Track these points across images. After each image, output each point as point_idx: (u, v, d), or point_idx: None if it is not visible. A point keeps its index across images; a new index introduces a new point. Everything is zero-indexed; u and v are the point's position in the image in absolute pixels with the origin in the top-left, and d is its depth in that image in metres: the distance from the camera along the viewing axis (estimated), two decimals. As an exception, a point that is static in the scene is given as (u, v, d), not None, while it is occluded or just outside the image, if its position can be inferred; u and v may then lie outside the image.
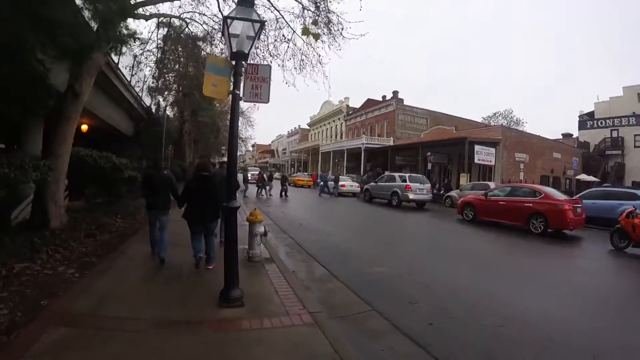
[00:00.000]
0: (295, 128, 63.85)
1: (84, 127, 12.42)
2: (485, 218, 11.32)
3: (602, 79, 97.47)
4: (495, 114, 47.53)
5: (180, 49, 15.61)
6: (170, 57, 16.05)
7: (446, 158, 24.85)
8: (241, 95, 3.61)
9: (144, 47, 11.19)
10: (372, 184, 19.24)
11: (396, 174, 17.64)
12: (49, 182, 6.13)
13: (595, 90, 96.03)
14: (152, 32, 11.68)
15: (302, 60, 10.30)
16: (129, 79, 13.51)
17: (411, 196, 15.67)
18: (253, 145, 56.88)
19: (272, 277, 4.73)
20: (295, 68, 10.17)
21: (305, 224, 10.00)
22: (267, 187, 19.25)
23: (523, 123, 45.05)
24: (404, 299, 4.35)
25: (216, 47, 13.53)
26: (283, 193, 19.60)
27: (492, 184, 16.23)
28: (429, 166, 23.84)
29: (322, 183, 21.70)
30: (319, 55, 10.74)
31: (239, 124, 24.77)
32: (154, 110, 18.29)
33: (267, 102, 3.79)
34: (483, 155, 20.75)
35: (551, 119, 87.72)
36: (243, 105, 34.18)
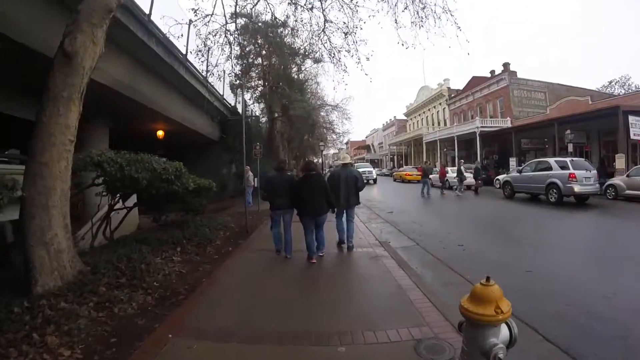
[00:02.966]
0: (390, 120, 58.88)
1: (160, 133, 10.64)
2: None
3: None
4: (610, 82, 38.25)
5: (260, 40, 13.27)
6: (252, 51, 13.87)
7: (585, 136, 19.03)
8: None
9: (207, 20, 8.67)
10: (514, 174, 14.43)
11: (551, 160, 12.82)
12: (29, 212, 3.54)
13: None
14: (215, 6, 9.21)
15: (423, 9, 7.13)
16: (204, 74, 11.38)
17: (577, 188, 10.98)
18: (347, 142, 53.71)
19: None
20: (414, 23, 7.35)
21: (465, 244, 6.08)
22: (461, 181, 16.09)
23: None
24: None
25: (297, 37, 11.07)
26: (477, 188, 16.14)
27: None
28: (569, 147, 17.04)
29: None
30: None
31: (334, 117, 21.42)
32: (239, 110, 16.42)
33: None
34: (638, 128, 15.11)
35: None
36: (338, 97, 31.18)
